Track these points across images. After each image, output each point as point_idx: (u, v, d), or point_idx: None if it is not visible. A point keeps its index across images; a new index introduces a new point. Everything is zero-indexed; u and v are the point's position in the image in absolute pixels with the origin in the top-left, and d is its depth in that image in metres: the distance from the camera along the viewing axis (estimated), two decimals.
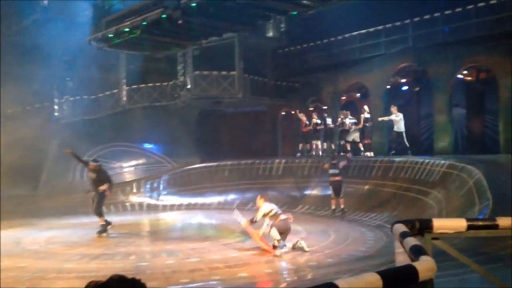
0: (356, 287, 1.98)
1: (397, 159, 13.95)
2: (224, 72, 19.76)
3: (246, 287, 6.67)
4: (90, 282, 1.24)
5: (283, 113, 22.00)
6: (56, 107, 22.14)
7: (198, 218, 13.77)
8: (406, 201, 12.19)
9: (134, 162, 20.22)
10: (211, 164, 17.91)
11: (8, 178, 17.35)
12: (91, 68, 20.04)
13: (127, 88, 21.10)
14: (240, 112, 21.70)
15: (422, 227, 2.99)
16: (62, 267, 7.74)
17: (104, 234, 10.94)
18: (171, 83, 20.72)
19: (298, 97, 20.97)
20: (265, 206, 8.84)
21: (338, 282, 1.94)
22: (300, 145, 17.95)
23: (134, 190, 17.16)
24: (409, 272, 2.13)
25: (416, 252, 2.35)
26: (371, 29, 18.68)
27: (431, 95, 16.93)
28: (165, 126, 20.27)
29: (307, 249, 8.51)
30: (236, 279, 6.97)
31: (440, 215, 9.87)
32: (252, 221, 8.86)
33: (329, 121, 17.20)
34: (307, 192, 15.23)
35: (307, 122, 17.38)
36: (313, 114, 17.57)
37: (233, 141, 20.93)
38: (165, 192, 17.18)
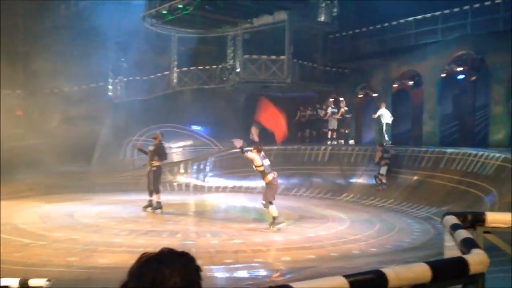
0: (404, 276, 1.95)
1: (449, 150, 13.50)
2: (273, 57, 19.66)
3: (289, 271, 6.71)
4: (143, 254, 1.28)
5: (332, 99, 21.71)
6: (110, 87, 22.83)
7: (242, 201, 13.90)
8: (456, 193, 11.80)
9: (182, 143, 20.62)
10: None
11: (64, 155, 18.17)
12: (145, 50, 20.50)
13: (177, 70, 21.43)
14: (288, 97, 21.58)
15: (474, 220, 2.90)
16: (111, 241, 8.05)
17: (159, 211, 11.14)
18: (220, 66, 20.86)
19: (347, 84, 20.62)
20: (258, 158, 9.34)
21: (385, 270, 1.92)
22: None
23: (182, 171, 17.52)
24: (460, 264, 2.07)
25: (467, 244, 2.28)
26: (427, 15, 17.99)
27: (488, 85, 16.18)
28: (213, 109, 20.50)
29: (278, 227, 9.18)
30: (278, 262, 7.03)
31: (492, 210, 9.51)
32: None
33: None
34: (353, 180, 15.02)
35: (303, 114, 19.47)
36: (341, 104, 18.17)
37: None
38: (211, 174, 17.44)
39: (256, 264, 6.90)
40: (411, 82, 19.77)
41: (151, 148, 11.50)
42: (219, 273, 6.57)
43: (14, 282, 5.50)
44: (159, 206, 11.29)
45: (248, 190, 16.04)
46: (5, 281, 5.55)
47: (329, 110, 17.98)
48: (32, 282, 5.49)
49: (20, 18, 23.86)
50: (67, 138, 19.10)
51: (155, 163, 11.24)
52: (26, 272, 5.92)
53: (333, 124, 17.81)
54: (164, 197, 14.14)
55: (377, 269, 1.93)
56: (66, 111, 21.33)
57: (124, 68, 22.38)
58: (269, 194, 9.58)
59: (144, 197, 11.78)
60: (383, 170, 13.84)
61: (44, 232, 8.60)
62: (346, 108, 18.27)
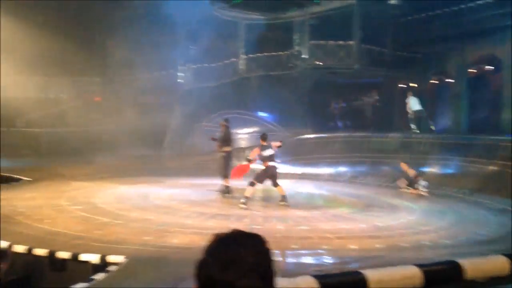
0: (481, 268, 1.90)
1: None
2: (340, 42, 19.31)
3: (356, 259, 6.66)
4: (218, 234, 1.34)
5: (402, 85, 21.00)
6: (179, 74, 23.50)
7: (308, 187, 13.89)
8: None
9: (248, 130, 20.86)
10: (323, 135, 17.83)
11: (138, 139, 19.03)
12: (213, 37, 20.85)
13: (245, 57, 21.64)
14: (356, 83, 21.15)
15: None
16: (182, 222, 8.38)
17: (228, 195, 11.47)
18: (287, 52, 20.81)
19: (419, 69, 19.83)
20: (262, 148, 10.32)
21: (460, 261, 1.88)
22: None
23: (248, 157, 17.72)
24: None
25: None
26: None
27: None
28: (279, 95, 20.51)
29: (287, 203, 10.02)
30: (345, 250, 6.98)
31: None
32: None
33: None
34: (424, 169, 14.52)
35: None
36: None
37: (349, 113, 20.56)
38: (277, 161, 17.51)
39: (323, 251, 6.90)
40: (489, 67, 18.67)
41: (220, 134, 11.76)
42: (285, 258, 6.64)
43: (95, 257, 5.93)
44: (227, 190, 11.57)
45: (314, 177, 15.99)
46: (86, 257, 5.99)
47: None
48: (110, 258, 5.88)
49: (98, 8, 25.07)
50: (140, 123, 19.97)
51: (224, 149, 11.46)
52: (105, 248, 6.32)
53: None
54: (231, 182, 14.51)
55: (452, 260, 1.90)
56: (139, 98, 22.30)
57: (193, 55, 22.92)
58: (260, 175, 10.54)
59: (213, 182, 12.12)
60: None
61: (120, 212, 9.10)
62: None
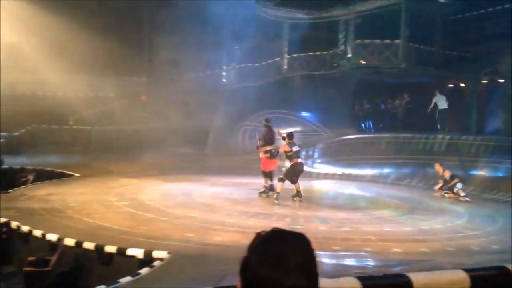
0: None
1: None
2: (387, 41, 18.91)
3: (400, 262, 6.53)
4: (262, 231, 1.35)
5: (451, 85, 20.34)
6: (224, 73, 23.74)
7: (351, 189, 13.72)
8: None
9: (291, 130, 20.77)
10: (367, 135, 17.56)
11: (182, 138, 19.40)
12: (258, 37, 20.91)
13: (288, 56, 21.60)
14: (402, 83, 20.66)
15: None
16: (224, 220, 8.48)
17: (265, 195, 11.48)
18: (331, 52, 20.61)
19: (469, 69, 19.13)
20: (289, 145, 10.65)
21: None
22: None
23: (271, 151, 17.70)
24: None
25: None
26: None
27: None
28: (322, 95, 20.33)
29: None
30: (389, 253, 6.85)
31: None
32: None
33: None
34: (473, 172, 14.04)
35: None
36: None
37: (393, 114, 20.13)
38: (319, 161, 17.43)
39: (365, 253, 6.81)
40: None
41: (263, 133, 11.94)
42: (326, 259, 6.59)
43: (140, 252, 6.10)
44: (265, 190, 11.63)
45: (356, 178, 15.78)
46: (132, 251, 6.17)
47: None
48: (155, 253, 6.04)
49: (145, 8, 25.74)
50: (185, 122, 20.32)
51: (266, 148, 11.63)
52: (150, 244, 6.49)
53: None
54: (273, 182, 14.53)
55: (502, 265, 1.83)
56: (184, 97, 22.70)
57: (237, 55, 23.09)
58: (290, 173, 10.85)
59: (253, 181, 12.20)
60: (460, 186, 12.38)
61: (165, 209, 9.32)
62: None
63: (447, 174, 12.62)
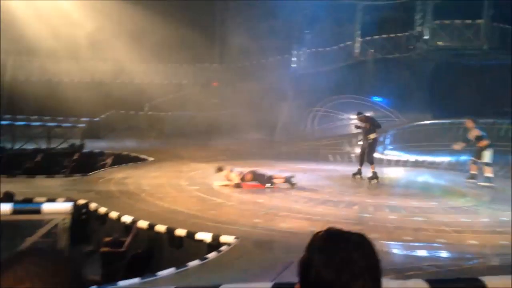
0: None
1: None
2: (468, 21, 17.80)
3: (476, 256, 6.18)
4: (318, 233, 1.30)
5: None
6: (294, 58, 23.57)
7: (424, 176, 13.15)
8: None
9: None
10: (444, 121, 16.70)
11: (252, 123, 19.56)
12: (329, 21, 20.52)
13: (360, 40, 21.01)
14: (485, 66, 19.37)
15: None
16: (291, 207, 8.46)
17: (375, 181, 11.65)
18: (406, 34, 19.76)
19: None
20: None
21: None
22: None
23: (360, 143, 17.30)
24: None
25: None
26: None
27: None
28: (396, 79, 19.61)
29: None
30: (464, 245, 6.50)
31: None
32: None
33: None
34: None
35: None
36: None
37: (474, 98, 18.97)
38: (391, 147, 16.87)
39: (438, 245, 6.50)
40: None
41: (363, 126, 11.96)
42: (397, 250, 6.39)
43: (208, 236, 6.25)
44: (375, 176, 11.72)
45: (431, 166, 15.11)
46: (201, 235, 6.34)
47: None
48: (222, 238, 6.16)
49: None
50: (255, 108, 20.45)
51: (372, 136, 11.81)
52: (218, 228, 6.62)
53: None
54: (342, 168, 14.30)
55: None
56: (254, 83, 22.85)
57: (308, 39, 22.80)
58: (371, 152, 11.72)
59: (323, 167, 12.06)
60: (488, 156, 11.47)
61: (233, 193, 9.48)
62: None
63: (475, 133, 11.70)
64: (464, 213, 8.53)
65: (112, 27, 21.75)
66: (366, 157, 11.88)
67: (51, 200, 7.74)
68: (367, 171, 11.92)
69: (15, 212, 4.95)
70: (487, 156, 11.68)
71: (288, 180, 10.38)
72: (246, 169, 10.75)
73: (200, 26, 23.88)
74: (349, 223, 7.26)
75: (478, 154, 11.84)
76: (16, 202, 6.71)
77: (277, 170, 12.84)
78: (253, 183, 10.21)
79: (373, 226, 7.17)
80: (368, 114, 12.28)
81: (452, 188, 11.44)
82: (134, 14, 21.41)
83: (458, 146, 11.79)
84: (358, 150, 17.10)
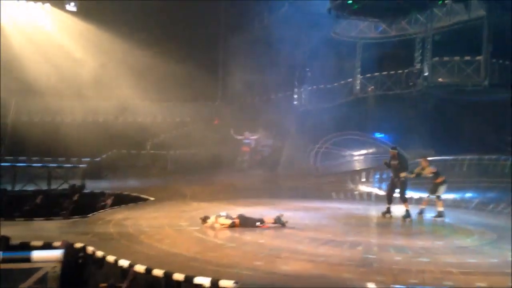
0: None
1: None
2: (467, 57, 17.97)
3: None
4: None
5: None
6: (295, 96, 23.75)
7: (429, 214, 12.94)
8: None
9: (364, 151, 20.28)
10: (447, 157, 16.59)
11: (255, 159, 19.48)
12: (329, 59, 20.78)
13: (361, 77, 21.22)
14: (486, 102, 19.41)
15: None
16: (294, 248, 8.24)
17: (409, 219, 11.65)
18: (406, 71, 19.96)
19: None
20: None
21: None
22: None
23: (363, 179, 17.20)
24: None
25: None
26: None
27: None
28: (398, 116, 19.67)
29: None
30: None
31: None
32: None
33: None
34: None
35: None
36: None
37: (475, 134, 18.92)
38: None
39: None
40: None
41: (394, 163, 12.06)
42: None
43: (207, 281, 6.06)
44: (408, 214, 11.74)
45: (435, 203, 14.87)
46: (199, 279, 6.15)
47: None
48: (221, 283, 5.97)
49: (221, 34, 26.60)
50: (257, 144, 20.45)
51: (403, 175, 11.87)
52: (218, 272, 6.43)
53: None
54: (345, 206, 14.12)
55: None
56: (255, 119, 22.93)
57: (309, 77, 23.03)
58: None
59: (326, 205, 11.89)
60: (443, 190, 11.95)
61: (235, 235, 9.28)
62: None
63: (431, 170, 12.03)
64: (471, 253, 8.32)
65: (115, 66, 22.08)
66: (400, 196, 11.96)
67: (48, 243, 7.59)
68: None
69: (3, 260, 4.82)
70: (442, 190, 12.11)
71: (277, 220, 10.17)
72: (233, 212, 10.58)
73: (203, 65, 24.23)
74: (352, 265, 7.06)
75: (434, 189, 12.18)
76: (11, 247, 6.56)
77: (279, 209, 12.68)
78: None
79: (378, 268, 6.94)
80: (396, 150, 12.25)
81: (458, 227, 11.24)
82: (137, 52, 21.77)
83: (404, 174, 11.90)
84: (361, 188, 17.02)
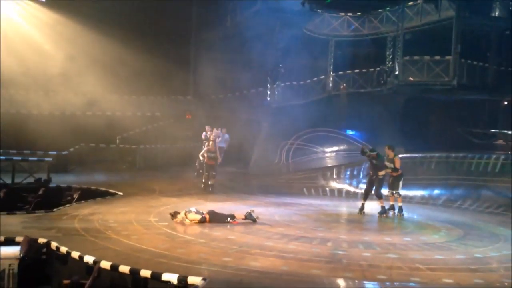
0: None
1: None
2: (437, 57, 18.28)
3: None
4: None
5: (506, 103, 19.36)
6: (268, 92, 23.70)
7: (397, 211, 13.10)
8: None
9: (335, 148, 20.42)
10: (416, 155, 16.87)
11: (226, 156, 19.33)
12: (302, 56, 20.80)
13: (333, 74, 21.34)
14: (454, 101, 19.83)
15: None
16: (263, 244, 8.19)
17: (384, 215, 11.94)
18: (377, 69, 20.17)
19: None
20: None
21: None
22: None
23: (334, 176, 17.30)
24: None
25: None
26: None
27: None
28: (369, 113, 19.88)
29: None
30: (439, 284, 6.36)
31: None
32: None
33: None
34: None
35: None
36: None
37: (443, 132, 19.31)
38: (364, 180, 16.86)
39: (413, 284, 6.35)
40: None
41: (375, 162, 12.18)
42: None
43: (174, 278, 5.93)
44: (383, 211, 12.00)
45: (405, 200, 15.04)
46: (167, 276, 6.01)
47: None
48: (190, 279, 5.85)
49: (192, 29, 26.30)
50: (229, 141, 20.28)
51: (382, 173, 12.07)
52: (186, 268, 6.32)
53: None
54: (316, 202, 14.17)
55: None
56: (228, 115, 22.77)
57: (282, 73, 23.01)
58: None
59: (297, 201, 11.90)
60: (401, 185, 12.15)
61: (204, 230, 9.17)
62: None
63: (397, 163, 11.93)
64: (438, 249, 8.45)
65: (84, 59, 21.53)
66: (375, 192, 12.12)
67: (9, 239, 7.30)
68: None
69: None
70: (401, 185, 12.12)
71: (248, 216, 10.11)
72: (203, 207, 10.47)
73: (174, 59, 23.89)
74: (322, 261, 7.05)
75: (393, 184, 12.13)
76: None
77: (250, 205, 12.60)
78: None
79: (347, 264, 6.97)
80: (375, 152, 12.34)
81: (426, 223, 11.41)
82: (107, 45, 21.27)
83: (383, 172, 12.06)
84: (332, 184, 17.12)
